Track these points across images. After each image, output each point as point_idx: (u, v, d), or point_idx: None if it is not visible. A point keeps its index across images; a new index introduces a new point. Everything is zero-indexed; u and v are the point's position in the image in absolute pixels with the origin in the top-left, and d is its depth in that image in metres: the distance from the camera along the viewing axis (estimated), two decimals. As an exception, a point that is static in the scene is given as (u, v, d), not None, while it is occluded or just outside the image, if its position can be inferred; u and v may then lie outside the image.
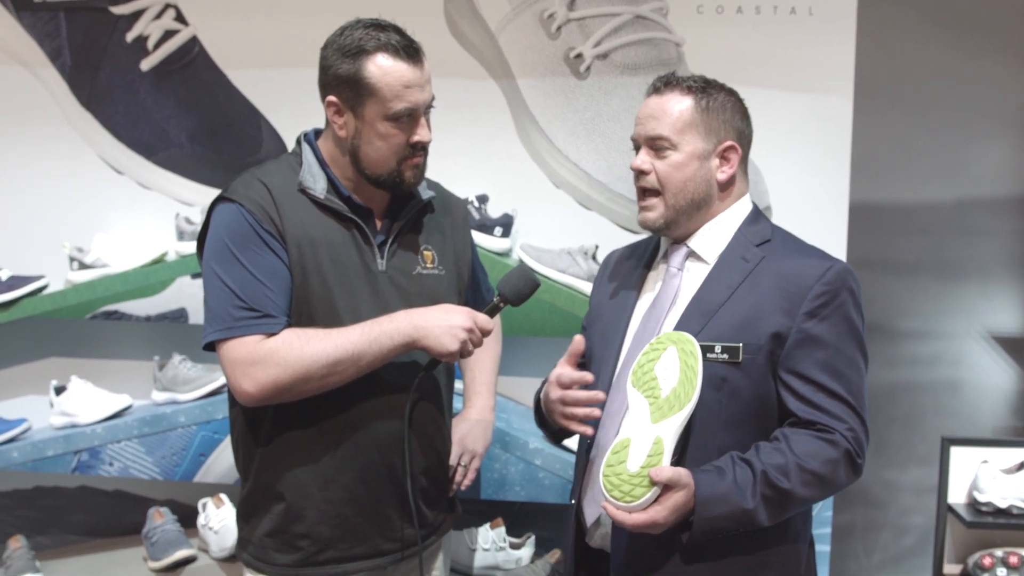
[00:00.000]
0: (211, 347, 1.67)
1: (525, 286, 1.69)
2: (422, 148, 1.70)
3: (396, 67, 1.63)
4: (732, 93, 1.68)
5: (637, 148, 1.67)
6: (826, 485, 1.53)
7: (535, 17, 2.54)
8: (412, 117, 1.67)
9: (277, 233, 1.65)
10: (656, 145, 1.62)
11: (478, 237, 2.47)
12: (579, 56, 2.53)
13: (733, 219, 1.66)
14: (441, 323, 1.63)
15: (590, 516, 1.67)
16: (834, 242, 2.43)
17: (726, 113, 1.64)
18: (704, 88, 1.63)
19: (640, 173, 1.64)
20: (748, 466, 1.50)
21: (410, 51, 1.65)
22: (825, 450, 1.51)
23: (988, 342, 2.94)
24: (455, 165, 2.46)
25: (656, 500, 1.45)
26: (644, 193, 1.65)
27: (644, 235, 1.79)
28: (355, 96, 1.65)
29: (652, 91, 1.66)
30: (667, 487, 1.45)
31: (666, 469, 1.44)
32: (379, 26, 1.66)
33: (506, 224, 2.52)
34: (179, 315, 2.62)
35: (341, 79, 1.65)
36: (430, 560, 1.87)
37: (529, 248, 2.53)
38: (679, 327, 1.57)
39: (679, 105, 1.62)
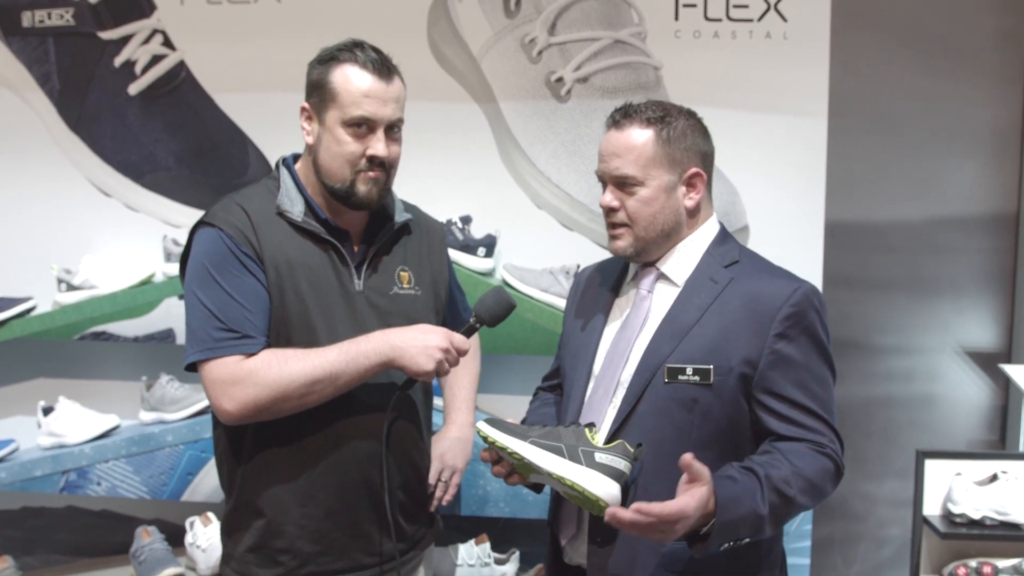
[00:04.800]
0: (193, 368, 1.69)
1: (500, 308, 1.72)
2: (379, 163, 1.70)
3: (360, 76, 1.67)
4: (690, 115, 1.66)
5: (604, 184, 1.65)
6: (818, 494, 1.55)
7: (517, 42, 2.59)
8: (369, 128, 1.68)
9: (255, 256, 1.68)
10: (623, 183, 1.61)
11: (462, 257, 2.51)
12: (560, 80, 2.58)
13: (701, 241, 1.67)
14: (417, 343, 1.65)
15: (566, 533, 1.69)
16: (810, 260, 2.48)
17: (687, 140, 1.62)
18: (663, 118, 1.61)
19: (609, 210, 1.64)
20: (752, 474, 1.49)
21: (378, 65, 1.68)
22: (819, 460, 1.54)
23: (962, 357, 2.98)
24: (439, 186, 2.51)
25: (685, 492, 1.43)
26: (614, 225, 1.65)
27: None
28: (320, 101, 1.70)
29: (612, 124, 1.64)
30: (692, 480, 1.43)
31: (694, 463, 1.42)
32: (359, 44, 1.71)
33: (489, 244, 2.56)
34: (166, 335, 2.65)
35: (312, 85, 1.71)
36: (411, 574, 1.90)
37: (512, 268, 2.56)
38: (649, 349, 1.60)
39: (641, 140, 1.60)
